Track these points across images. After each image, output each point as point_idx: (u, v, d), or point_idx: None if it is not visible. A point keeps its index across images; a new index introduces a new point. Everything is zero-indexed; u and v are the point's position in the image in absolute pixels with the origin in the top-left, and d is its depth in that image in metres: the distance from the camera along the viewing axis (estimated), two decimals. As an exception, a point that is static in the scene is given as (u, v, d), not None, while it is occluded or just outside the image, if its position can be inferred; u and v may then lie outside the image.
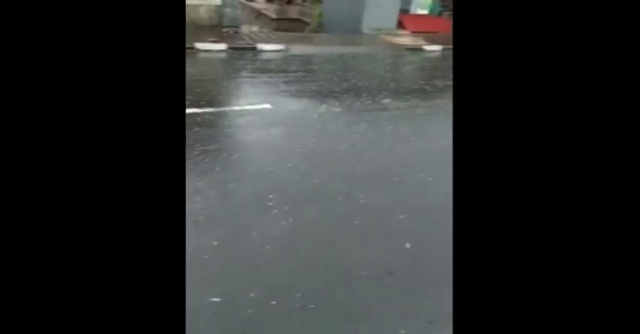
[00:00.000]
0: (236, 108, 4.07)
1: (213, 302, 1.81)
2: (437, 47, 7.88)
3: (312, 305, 1.83)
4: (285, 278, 1.98)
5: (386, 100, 4.75)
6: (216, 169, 2.90)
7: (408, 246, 2.29)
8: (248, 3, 13.76)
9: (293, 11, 12.37)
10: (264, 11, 12.75)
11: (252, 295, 1.85)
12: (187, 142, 3.22)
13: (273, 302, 1.83)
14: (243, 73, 5.33)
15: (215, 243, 2.17)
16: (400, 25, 9.24)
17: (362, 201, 2.68)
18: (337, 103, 4.47)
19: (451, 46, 7.99)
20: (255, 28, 8.43)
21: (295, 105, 4.34)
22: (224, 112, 3.93)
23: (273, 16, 12.14)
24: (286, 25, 11.42)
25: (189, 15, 6.84)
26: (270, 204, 2.55)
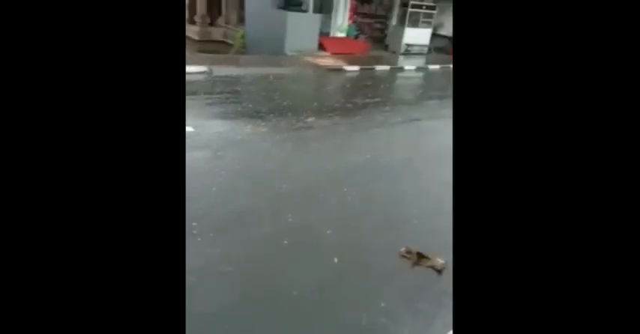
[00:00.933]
0: (155, 132, 3.90)
1: None
2: (355, 67, 8.38)
3: None
4: (212, 308, 1.92)
5: (310, 119, 4.90)
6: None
7: (335, 260, 2.36)
8: (168, 24, 13.35)
9: (216, 33, 12.31)
10: (187, 33, 12.49)
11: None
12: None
13: (199, 335, 1.75)
14: (163, 96, 5.13)
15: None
16: (321, 46, 9.68)
17: (290, 220, 2.71)
18: (263, 123, 4.51)
19: (368, 67, 8.56)
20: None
21: (219, 127, 4.28)
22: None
23: (196, 37, 11.96)
24: (210, 47, 11.30)
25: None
26: (194, 232, 2.46)
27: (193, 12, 12.94)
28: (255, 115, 4.76)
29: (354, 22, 11.07)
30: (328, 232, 2.63)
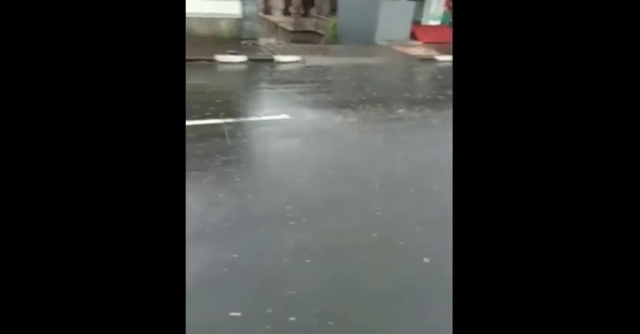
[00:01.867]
0: (255, 118, 4.17)
1: (233, 317, 1.85)
2: (448, 57, 7.89)
3: (331, 322, 1.85)
4: (303, 293, 2.01)
5: (400, 110, 4.78)
6: (236, 179, 2.98)
7: (426, 260, 2.30)
8: (265, 16, 14.06)
9: (309, 23, 12.59)
10: (280, 24, 13.01)
11: (269, 311, 1.87)
12: (208, 153, 3.32)
13: (292, 319, 1.85)
14: (262, 84, 5.45)
15: (235, 255, 2.23)
16: (412, 35, 9.30)
17: (379, 213, 2.71)
18: (352, 114, 4.53)
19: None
20: (272, 40, 8.61)
21: (311, 115, 4.42)
22: (243, 123, 4.03)
23: (290, 28, 12.37)
24: (302, 37, 11.60)
25: (211, 28, 7.06)
26: (288, 215, 2.60)
27: (289, 3, 13.38)
28: (344, 105, 4.81)
29: (449, 8, 10.39)
30: (418, 229, 2.57)
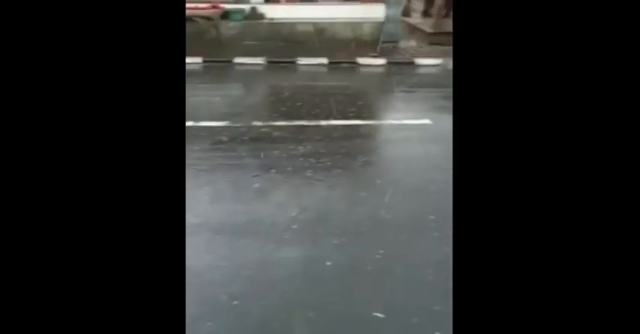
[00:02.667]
0: (395, 122, 4.12)
1: (376, 317, 1.83)
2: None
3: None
4: (445, 310, 1.87)
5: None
6: (377, 181, 2.97)
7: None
8: (404, 18, 13.90)
9: (448, 25, 11.94)
10: (419, 26, 12.67)
11: (415, 320, 1.81)
12: (351, 152, 3.40)
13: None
14: (402, 87, 5.37)
15: (378, 256, 2.22)
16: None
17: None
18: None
19: None
20: (413, 43, 8.44)
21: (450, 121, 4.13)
22: (384, 125, 4.02)
23: (429, 30, 11.94)
24: (442, 39, 11.05)
25: (354, 31, 7.28)
26: (431, 225, 2.47)
27: (430, 5, 12.92)
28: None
29: None
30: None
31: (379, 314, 1.84)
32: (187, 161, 3.17)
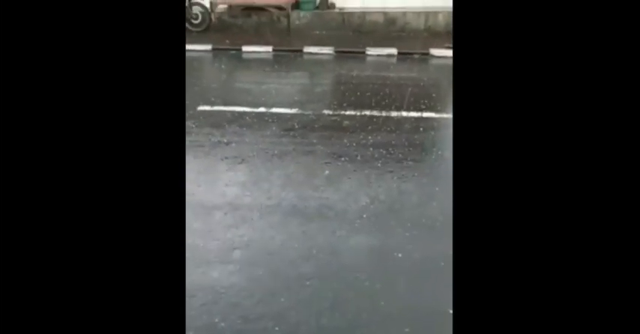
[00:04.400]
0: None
1: (449, 313, 1.77)
2: None
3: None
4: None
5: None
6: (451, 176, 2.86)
7: None
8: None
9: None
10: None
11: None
12: (426, 145, 3.29)
13: None
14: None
15: (451, 252, 2.14)
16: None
17: None
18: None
19: None
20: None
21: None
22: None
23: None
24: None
25: (427, 21, 7.00)
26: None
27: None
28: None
29: None
30: None
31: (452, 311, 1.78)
32: (260, 146, 3.30)
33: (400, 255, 2.14)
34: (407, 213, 2.47)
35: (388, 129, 3.56)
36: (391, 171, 2.93)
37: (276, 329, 1.72)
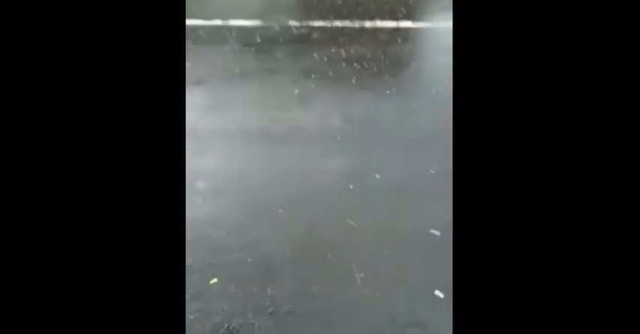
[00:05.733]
0: (451, 24, 3.56)
1: (432, 234, 1.70)
2: None
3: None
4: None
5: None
6: (432, 91, 2.63)
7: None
8: None
9: None
10: None
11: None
12: (395, 56, 2.99)
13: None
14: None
15: (432, 171, 2.03)
16: None
17: None
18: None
19: None
20: None
21: None
22: (439, 29, 3.48)
23: None
24: None
25: None
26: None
27: None
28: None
29: None
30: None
31: (435, 232, 1.72)
32: (218, 64, 2.89)
33: (378, 177, 2.01)
34: (384, 133, 2.29)
35: (362, 41, 3.19)
36: (366, 88, 2.67)
37: (249, 260, 1.61)
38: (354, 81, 2.74)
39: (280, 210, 1.82)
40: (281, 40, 3.21)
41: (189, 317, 1.42)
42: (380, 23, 3.48)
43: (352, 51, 3.05)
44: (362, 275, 1.56)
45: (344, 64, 2.90)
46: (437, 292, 1.50)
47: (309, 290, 1.51)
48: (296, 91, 2.64)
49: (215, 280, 1.54)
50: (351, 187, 1.95)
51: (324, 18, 3.56)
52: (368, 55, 2.99)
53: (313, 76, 2.78)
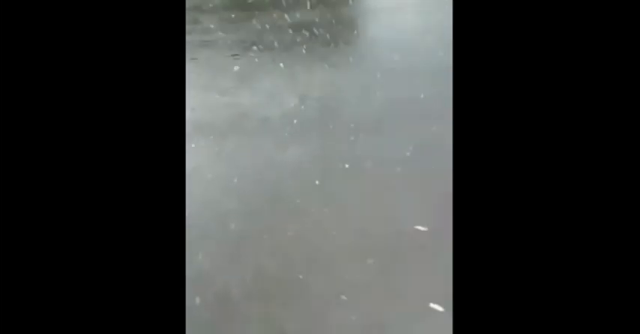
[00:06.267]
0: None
1: (418, 230, 1.45)
2: None
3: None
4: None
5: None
6: (395, 58, 2.35)
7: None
8: None
9: None
10: None
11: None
12: (347, 19, 2.64)
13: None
14: None
15: (407, 153, 1.77)
16: None
17: None
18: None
19: None
20: None
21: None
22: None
23: None
24: None
25: None
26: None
27: None
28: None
29: None
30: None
31: (420, 228, 1.47)
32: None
33: (347, 166, 1.71)
34: (347, 112, 1.98)
35: (309, 2, 2.79)
36: (320, 59, 2.31)
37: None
38: (304, 51, 2.36)
39: (233, 226, 1.47)
40: (211, 6, 2.72)
41: None
42: None
43: (298, 15, 2.65)
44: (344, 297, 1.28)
45: (290, 32, 2.51)
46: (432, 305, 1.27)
47: (282, 328, 1.20)
48: (236, 68, 2.22)
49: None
50: (317, 183, 1.64)
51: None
52: (317, 20, 2.61)
53: (255, 49, 2.37)
